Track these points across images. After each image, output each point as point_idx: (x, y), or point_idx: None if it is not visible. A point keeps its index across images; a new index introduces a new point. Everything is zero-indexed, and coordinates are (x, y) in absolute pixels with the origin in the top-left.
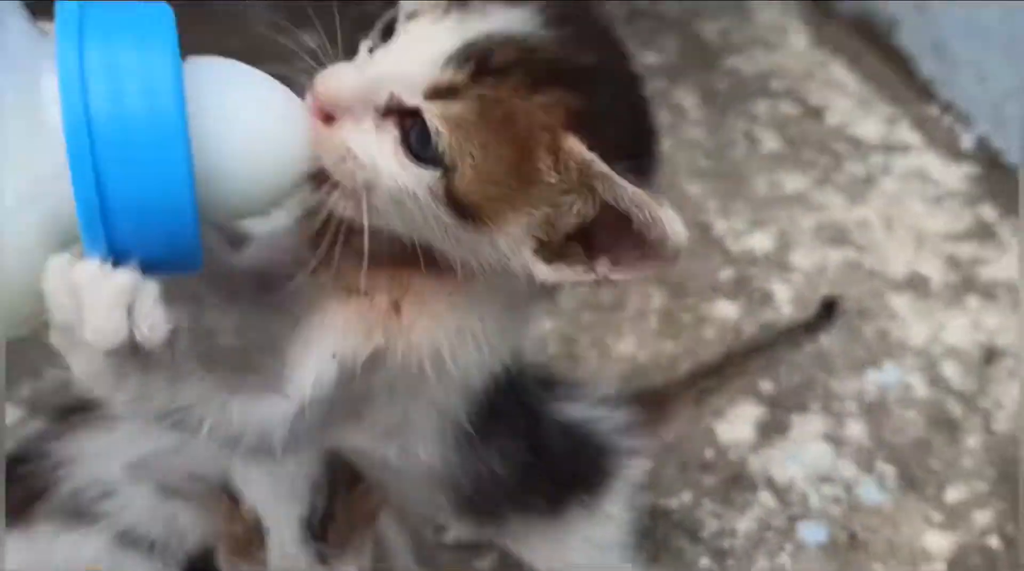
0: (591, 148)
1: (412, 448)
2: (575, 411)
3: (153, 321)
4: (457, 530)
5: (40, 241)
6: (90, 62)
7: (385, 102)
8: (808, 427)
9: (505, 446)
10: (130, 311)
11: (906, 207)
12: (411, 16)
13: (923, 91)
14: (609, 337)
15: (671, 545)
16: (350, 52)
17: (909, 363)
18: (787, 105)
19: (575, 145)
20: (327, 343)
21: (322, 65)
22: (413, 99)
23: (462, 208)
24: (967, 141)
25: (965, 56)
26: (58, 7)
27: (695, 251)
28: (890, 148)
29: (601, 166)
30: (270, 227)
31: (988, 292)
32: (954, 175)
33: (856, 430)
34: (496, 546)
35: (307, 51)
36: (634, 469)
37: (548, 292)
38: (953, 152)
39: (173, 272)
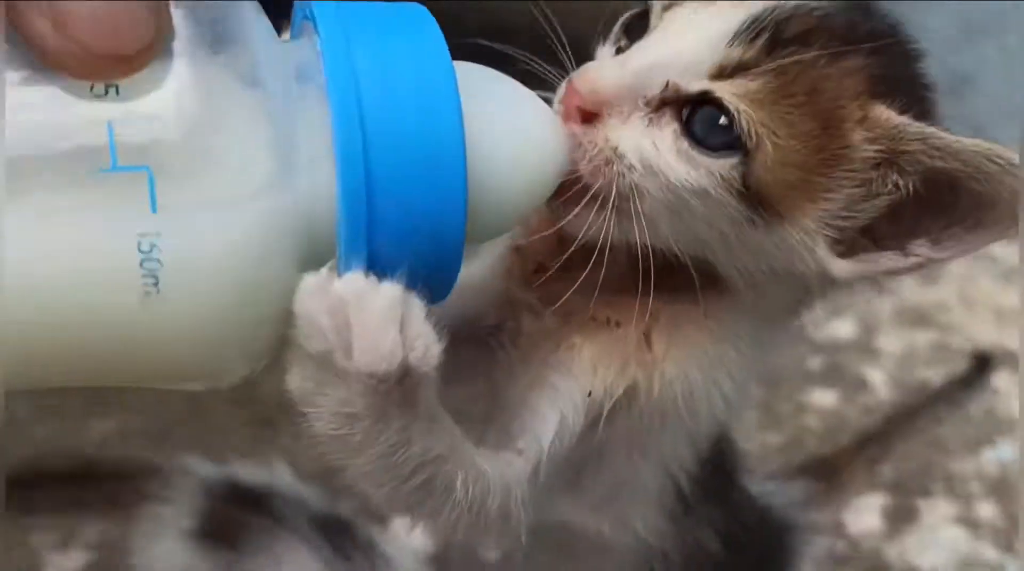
0: (902, 113)
1: (629, 519)
2: (752, 485)
3: (427, 340)
4: None
5: (285, 261)
6: (361, 63)
7: (659, 93)
8: (938, 512)
9: (714, 515)
10: (402, 328)
11: (979, 286)
12: (670, 4)
13: None
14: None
15: None
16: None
17: (1020, 436)
18: None
19: (889, 114)
20: (575, 383)
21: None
22: (697, 83)
23: (758, 198)
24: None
25: (1005, 138)
26: (315, 7)
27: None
28: None
29: (925, 127)
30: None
31: None
32: (1013, 252)
33: (987, 511)
34: None
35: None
36: (817, 547)
37: (807, 306)
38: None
39: (431, 301)
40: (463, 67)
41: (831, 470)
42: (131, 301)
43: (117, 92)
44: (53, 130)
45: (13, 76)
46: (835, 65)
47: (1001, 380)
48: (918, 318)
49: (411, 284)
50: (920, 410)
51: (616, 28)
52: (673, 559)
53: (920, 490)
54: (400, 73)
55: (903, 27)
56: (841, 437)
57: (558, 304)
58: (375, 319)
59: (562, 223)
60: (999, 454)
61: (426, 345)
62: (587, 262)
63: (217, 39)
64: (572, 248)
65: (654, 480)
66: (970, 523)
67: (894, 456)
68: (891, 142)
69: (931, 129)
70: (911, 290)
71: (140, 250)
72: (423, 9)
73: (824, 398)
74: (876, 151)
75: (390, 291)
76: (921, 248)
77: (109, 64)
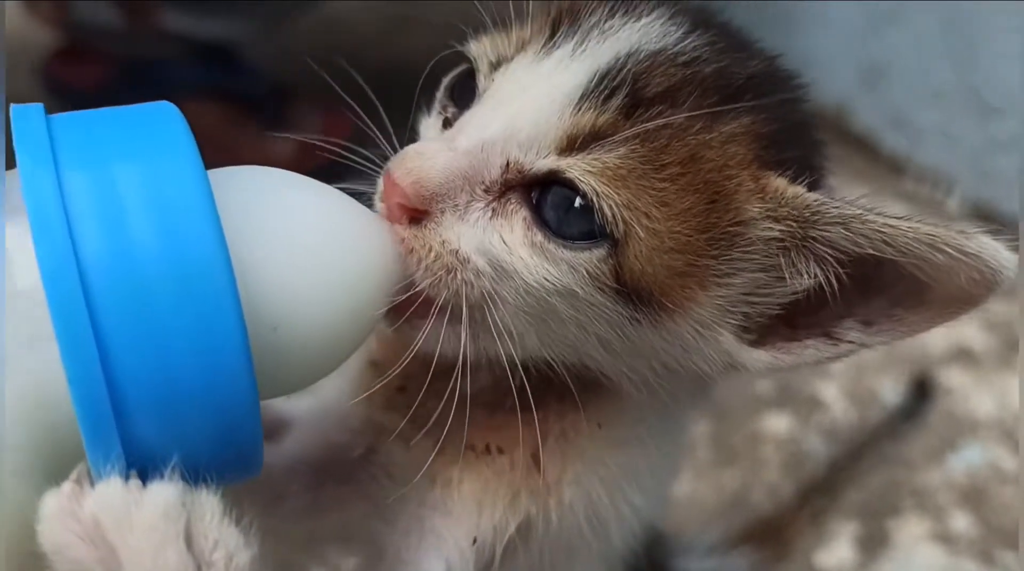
0: (799, 176)
1: None
2: (691, 565)
3: (228, 546)
4: None
5: (34, 465)
6: (72, 185)
7: (500, 175)
8: (910, 531)
9: None
10: (189, 542)
11: None
12: (501, 60)
13: (891, 166)
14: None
15: None
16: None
17: (984, 436)
18: None
19: (791, 187)
20: (458, 526)
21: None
22: (543, 161)
23: (638, 293)
24: (952, 202)
25: (927, 122)
26: (13, 114)
27: None
28: None
29: (848, 211)
30: (311, 402)
31: None
32: None
33: (961, 523)
34: None
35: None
36: None
37: (711, 396)
38: (941, 217)
39: (222, 481)
40: (246, 172)
41: (774, 532)
42: None
43: None
44: None
45: None
46: (714, 127)
47: (954, 379)
48: None
49: (196, 470)
50: (862, 454)
51: (440, 94)
52: None
53: (889, 510)
54: (130, 190)
55: (781, 59)
56: (800, 471)
57: (423, 431)
58: (148, 539)
59: (415, 345)
60: (964, 458)
61: (228, 554)
62: (453, 378)
63: None
64: (432, 367)
65: None
66: (945, 538)
67: (855, 485)
68: (801, 223)
69: (854, 209)
70: None
71: None
72: (168, 104)
73: (779, 424)
74: (781, 231)
75: (162, 495)
76: (851, 332)
77: None
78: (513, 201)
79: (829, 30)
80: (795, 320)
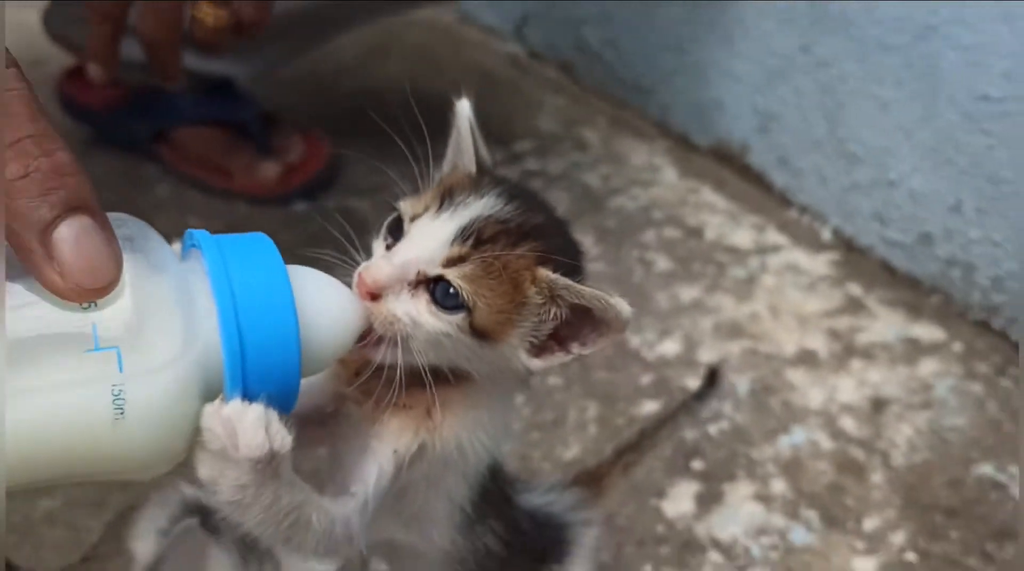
0: (555, 272)
1: (429, 533)
2: (534, 499)
3: (282, 435)
4: None
5: (195, 396)
6: (233, 272)
7: (414, 277)
8: (739, 492)
9: (495, 526)
10: (267, 431)
11: (786, 296)
12: (415, 216)
13: (781, 199)
14: (557, 449)
15: None
16: (366, 249)
17: (812, 423)
18: (670, 230)
19: (546, 274)
20: (387, 445)
21: (356, 263)
22: (435, 270)
23: (480, 334)
24: (825, 234)
25: (806, 165)
26: (200, 239)
27: (617, 365)
28: (763, 250)
29: (566, 281)
30: (305, 381)
31: (867, 354)
32: (820, 263)
33: (779, 487)
34: None
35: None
36: (590, 537)
37: (527, 383)
38: (816, 245)
39: (285, 408)
40: (295, 268)
41: (595, 479)
42: (107, 423)
43: (96, 305)
44: (61, 327)
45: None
46: (514, 252)
47: (797, 376)
48: (733, 330)
49: (269, 404)
50: (664, 423)
51: (383, 230)
52: (467, 559)
53: (726, 476)
54: (255, 277)
55: (558, 214)
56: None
57: (372, 397)
58: (249, 426)
59: (370, 358)
60: (792, 439)
61: (282, 438)
62: (388, 371)
63: (148, 265)
64: (373, 367)
65: (443, 507)
66: (764, 499)
67: (705, 449)
68: (550, 290)
69: (566, 281)
70: (730, 307)
71: (113, 393)
72: (267, 238)
73: (652, 408)
74: (541, 296)
75: (256, 409)
76: (574, 347)
77: (93, 295)
78: (421, 290)
79: (735, 82)
80: (554, 341)
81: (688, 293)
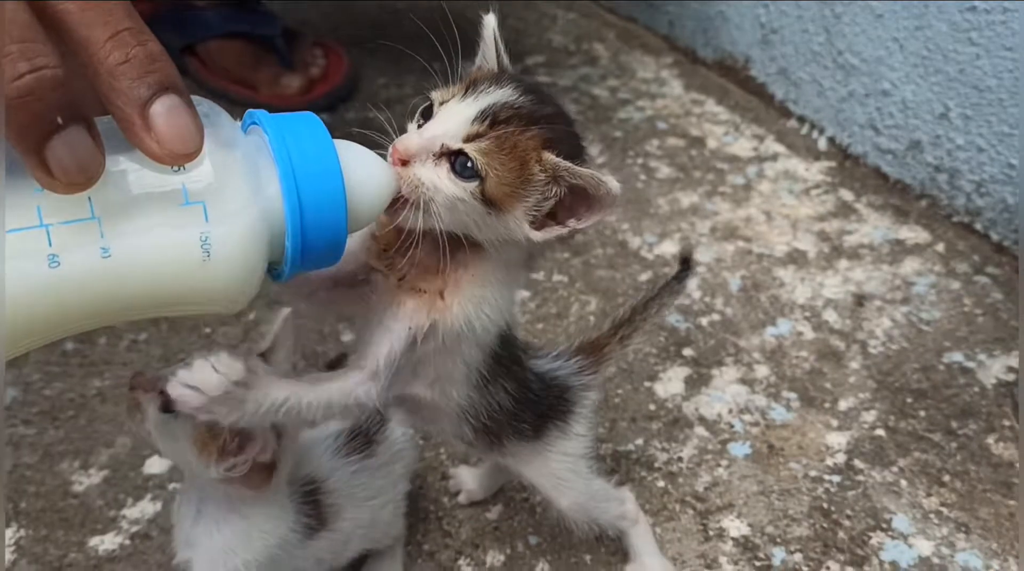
0: (558, 156)
1: (448, 391)
2: (542, 364)
3: (230, 366)
4: (475, 453)
5: (263, 241)
6: (290, 142)
7: (439, 149)
8: (726, 376)
9: (507, 385)
10: (215, 369)
11: (781, 201)
12: (443, 102)
13: (780, 110)
14: (560, 339)
15: (633, 477)
16: (401, 130)
17: (797, 316)
18: (673, 139)
19: (550, 156)
20: (402, 323)
21: (390, 139)
22: (456, 144)
23: (490, 202)
24: (822, 143)
25: (805, 76)
26: (260, 118)
27: (617, 263)
28: (761, 159)
29: (567, 163)
30: None
31: (854, 254)
32: (815, 171)
33: (763, 372)
34: (499, 499)
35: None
36: (589, 400)
37: (533, 262)
38: (813, 154)
39: (328, 265)
40: (339, 142)
41: (595, 348)
42: (197, 263)
43: (184, 168)
44: (158, 187)
45: (135, 165)
46: (524, 134)
47: (786, 274)
48: (729, 232)
49: (319, 255)
50: (650, 301)
51: (416, 113)
52: (481, 413)
53: (715, 362)
54: (308, 146)
55: (563, 105)
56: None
57: (397, 270)
58: (203, 376)
59: (397, 220)
60: (778, 330)
61: (231, 367)
62: (409, 249)
63: (221, 138)
64: (403, 238)
65: (460, 370)
66: (748, 382)
67: (697, 337)
68: (553, 171)
69: (567, 163)
70: (726, 212)
71: (201, 239)
72: (315, 116)
73: None
74: (545, 175)
75: (200, 363)
76: (571, 221)
77: (183, 159)
78: (443, 161)
79: None
80: (555, 217)
81: (688, 198)
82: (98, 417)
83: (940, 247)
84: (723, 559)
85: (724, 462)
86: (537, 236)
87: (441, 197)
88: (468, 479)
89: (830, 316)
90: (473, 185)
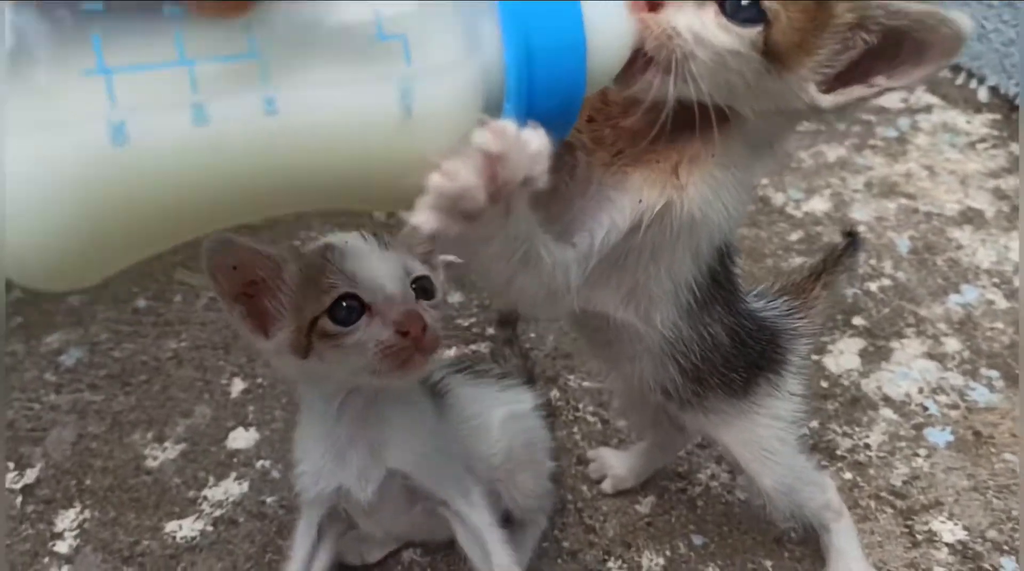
0: None
1: (650, 313)
2: (748, 302)
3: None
4: (669, 409)
5: (477, 98)
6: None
7: None
8: (908, 350)
9: (722, 314)
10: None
11: (944, 156)
12: None
13: None
14: None
15: None
16: None
17: (984, 282)
18: None
19: None
20: (627, 196)
21: None
22: None
23: (774, 54)
24: (982, 94)
25: None
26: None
27: (760, 221)
28: (913, 111)
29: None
30: None
31: None
32: (978, 123)
33: (953, 345)
34: (649, 488)
35: None
36: (802, 349)
37: (773, 154)
38: (973, 105)
39: (556, 138)
40: None
41: (800, 290)
42: (394, 121)
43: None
44: (342, 15)
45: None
46: None
47: (964, 236)
48: (887, 189)
49: (550, 121)
50: (839, 257)
51: None
52: (693, 348)
53: (893, 333)
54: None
55: None
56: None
57: (610, 143)
58: (527, 137)
59: (633, 88)
60: (964, 298)
61: (540, 146)
62: (627, 117)
63: None
64: (641, 110)
65: (664, 286)
66: (938, 357)
67: (868, 305)
68: (862, 11)
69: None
70: (881, 166)
71: (401, 90)
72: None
73: (798, 263)
74: (852, 16)
75: (537, 133)
76: (879, 79)
77: None
78: (709, 1)
79: None
80: (845, 81)
81: (834, 152)
82: (174, 383)
83: None
84: (938, 570)
85: (922, 451)
86: (827, 101)
87: (706, 52)
88: (614, 463)
89: None
90: (754, 31)
